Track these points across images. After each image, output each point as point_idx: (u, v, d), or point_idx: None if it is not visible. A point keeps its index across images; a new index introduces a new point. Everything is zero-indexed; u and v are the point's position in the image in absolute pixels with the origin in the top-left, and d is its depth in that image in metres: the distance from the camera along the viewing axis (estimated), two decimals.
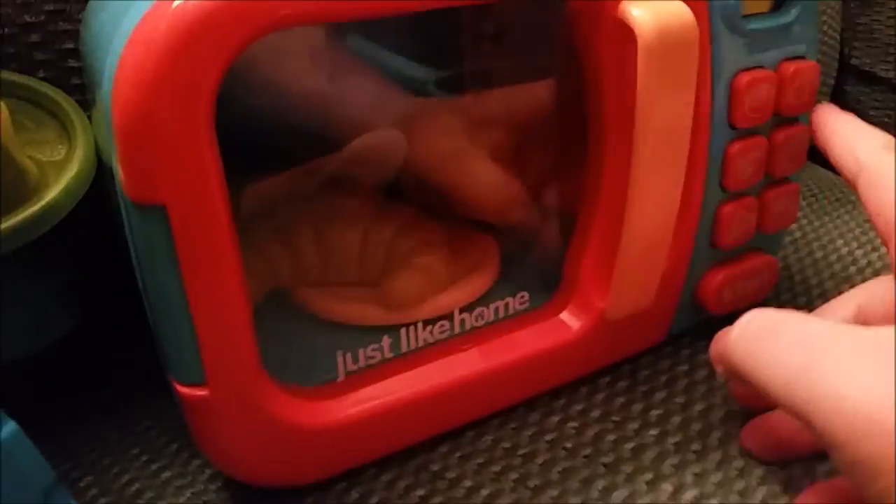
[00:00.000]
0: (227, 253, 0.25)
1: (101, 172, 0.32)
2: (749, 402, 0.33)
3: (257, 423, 0.28)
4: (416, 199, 0.36)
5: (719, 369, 0.28)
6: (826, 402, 0.22)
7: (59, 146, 0.33)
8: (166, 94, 0.23)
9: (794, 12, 0.32)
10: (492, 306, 0.33)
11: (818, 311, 0.31)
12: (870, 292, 0.30)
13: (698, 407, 0.34)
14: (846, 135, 0.31)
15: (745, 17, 0.31)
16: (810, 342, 0.23)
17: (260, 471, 0.30)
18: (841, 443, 0.21)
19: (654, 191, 0.30)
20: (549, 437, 0.33)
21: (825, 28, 0.59)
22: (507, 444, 0.33)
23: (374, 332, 0.32)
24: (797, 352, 0.23)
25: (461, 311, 0.33)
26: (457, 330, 0.33)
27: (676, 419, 0.33)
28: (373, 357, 0.31)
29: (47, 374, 0.36)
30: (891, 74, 0.59)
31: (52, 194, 0.30)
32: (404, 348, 0.32)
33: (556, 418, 0.34)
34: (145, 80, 0.23)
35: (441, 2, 0.26)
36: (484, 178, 0.35)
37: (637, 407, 0.34)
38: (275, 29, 0.23)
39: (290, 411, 0.29)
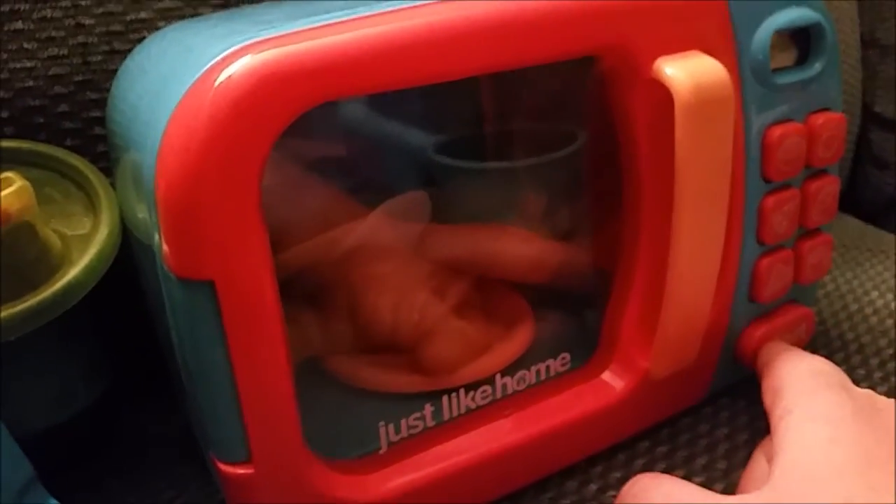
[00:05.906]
0: (275, 327, 0.25)
1: (126, 241, 0.31)
2: None
3: (303, 500, 0.27)
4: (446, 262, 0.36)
5: None
6: None
7: (85, 219, 0.33)
8: (213, 171, 0.22)
9: (818, 65, 0.33)
10: (533, 369, 0.32)
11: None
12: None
13: (741, 472, 0.32)
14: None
15: (774, 71, 0.31)
16: None
17: None
18: None
19: (696, 246, 0.29)
20: None
21: (847, 77, 0.59)
22: None
23: (415, 400, 0.31)
24: None
25: (502, 374, 0.32)
26: (499, 395, 0.32)
27: (719, 486, 0.32)
28: (415, 426, 0.30)
29: (71, 444, 0.35)
30: None
31: (73, 272, 0.30)
32: (446, 416, 0.31)
33: (594, 486, 0.33)
34: (191, 157, 0.22)
35: (484, 67, 0.26)
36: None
37: (678, 474, 0.33)
38: (321, 101, 0.23)
39: (335, 486, 0.28)
